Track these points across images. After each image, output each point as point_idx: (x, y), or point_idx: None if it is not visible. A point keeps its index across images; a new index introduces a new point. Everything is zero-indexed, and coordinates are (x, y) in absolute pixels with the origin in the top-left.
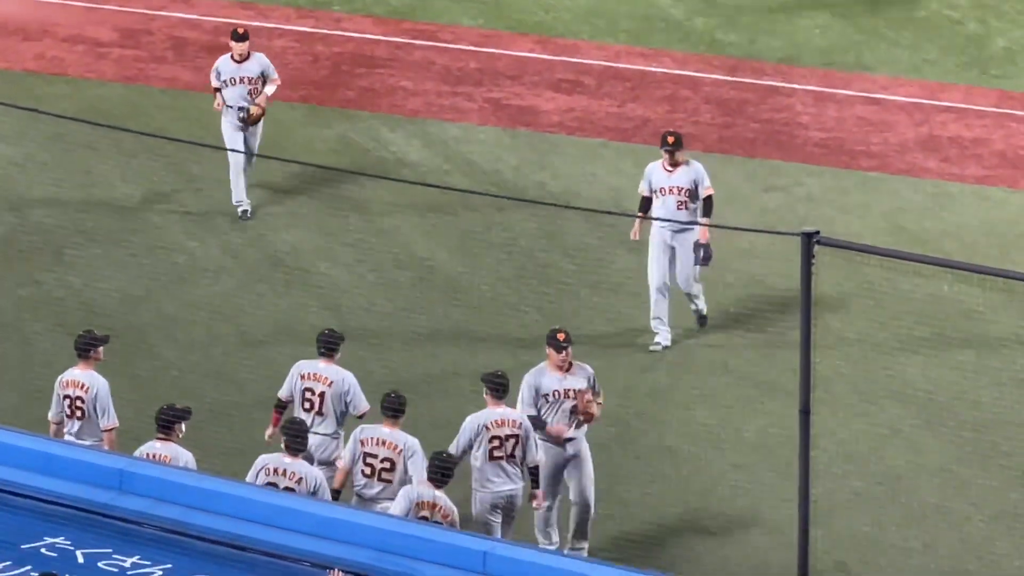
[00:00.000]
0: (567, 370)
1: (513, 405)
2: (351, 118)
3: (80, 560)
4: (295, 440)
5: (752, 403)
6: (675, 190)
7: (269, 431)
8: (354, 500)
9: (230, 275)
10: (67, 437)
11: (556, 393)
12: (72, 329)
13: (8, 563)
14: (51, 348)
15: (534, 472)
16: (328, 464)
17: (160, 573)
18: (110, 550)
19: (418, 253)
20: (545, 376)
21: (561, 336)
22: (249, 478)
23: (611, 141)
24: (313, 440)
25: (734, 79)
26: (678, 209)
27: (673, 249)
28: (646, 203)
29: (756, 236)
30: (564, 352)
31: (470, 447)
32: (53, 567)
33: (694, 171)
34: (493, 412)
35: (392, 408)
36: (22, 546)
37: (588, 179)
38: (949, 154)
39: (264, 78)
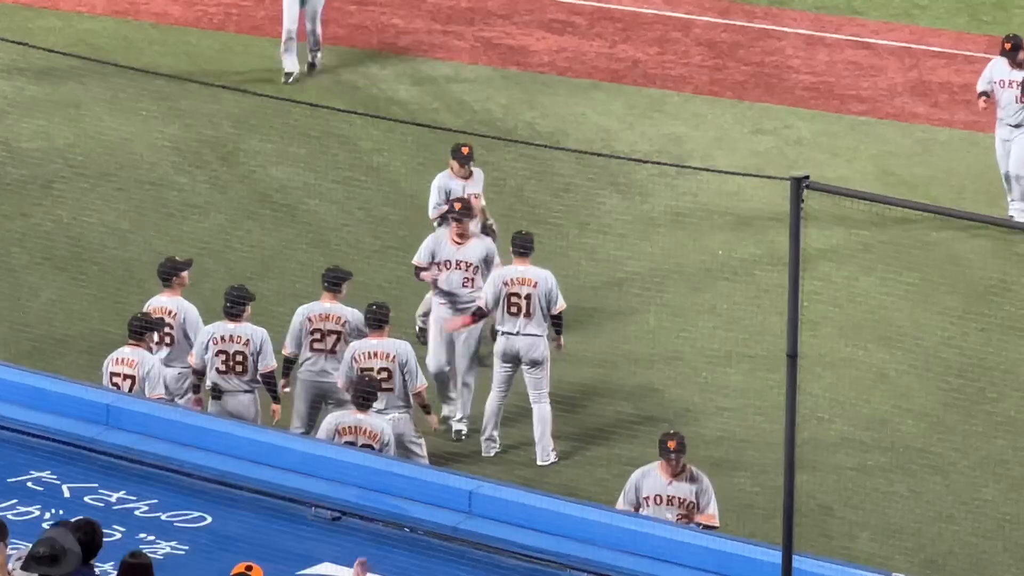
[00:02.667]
0: (676, 475)
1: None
2: (341, 55)
3: (66, 494)
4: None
5: (739, 346)
6: (462, 264)
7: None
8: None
9: (219, 211)
10: (155, 359)
11: (659, 498)
12: (59, 262)
13: None
14: (38, 281)
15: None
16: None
17: (146, 508)
18: (96, 485)
19: (407, 191)
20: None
21: (672, 444)
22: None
23: (601, 82)
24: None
25: (725, 21)
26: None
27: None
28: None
29: (745, 179)
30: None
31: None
32: (39, 501)
33: (485, 244)
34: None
35: (377, 319)
36: (8, 479)
37: (578, 119)
38: (939, 99)
39: None
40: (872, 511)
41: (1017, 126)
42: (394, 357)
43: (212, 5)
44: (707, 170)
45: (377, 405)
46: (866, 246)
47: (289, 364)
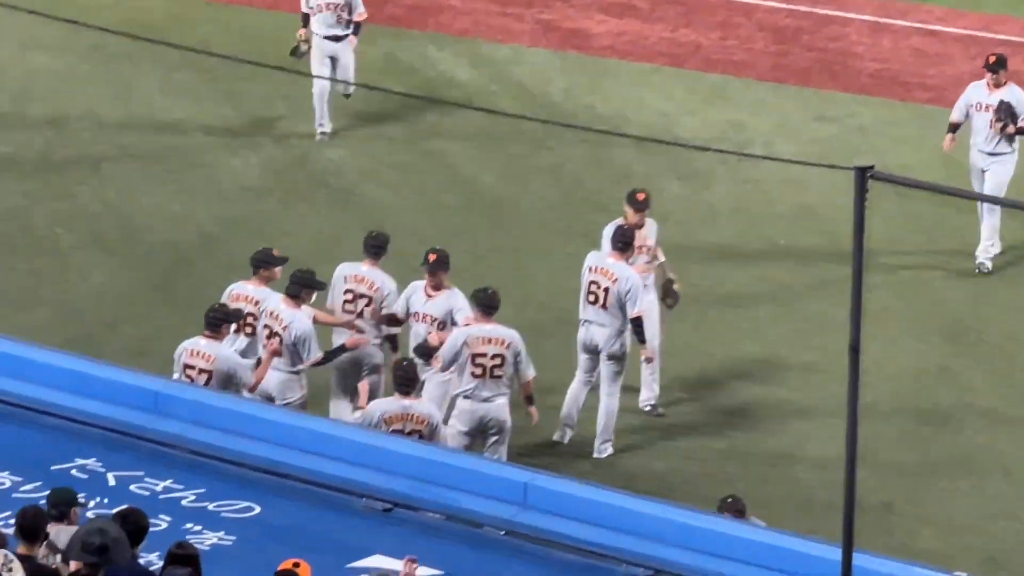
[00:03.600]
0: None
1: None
2: (398, 36)
3: (111, 483)
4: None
5: (801, 338)
6: (427, 318)
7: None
8: (459, 405)
9: (272, 194)
10: (228, 348)
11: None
12: (108, 245)
13: (39, 483)
14: (85, 263)
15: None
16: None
17: (193, 497)
18: (142, 473)
19: (464, 176)
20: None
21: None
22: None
23: (663, 66)
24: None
25: (789, 6)
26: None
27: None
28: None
29: (807, 167)
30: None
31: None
32: (83, 489)
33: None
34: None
35: (489, 304)
36: (52, 467)
37: (638, 104)
38: None
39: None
40: (934, 508)
41: (992, 154)
42: (509, 344)
43: None
44: (769, 158)
45: (482, 393)
46: (931, 237)
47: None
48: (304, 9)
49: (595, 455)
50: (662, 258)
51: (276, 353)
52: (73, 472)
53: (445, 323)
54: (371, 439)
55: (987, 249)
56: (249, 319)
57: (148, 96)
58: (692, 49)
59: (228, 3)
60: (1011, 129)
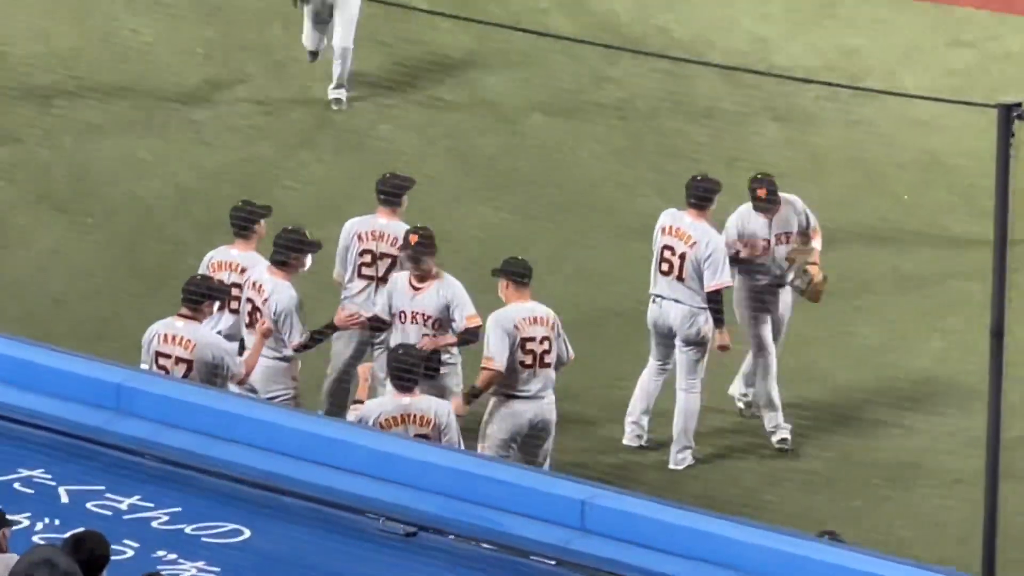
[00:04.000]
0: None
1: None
2: None
3: (64, 499)
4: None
5: (927, 320)
6: (418, 316)
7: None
8: (504, 408)
9: (264, 137)
10: (211, 331)
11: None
12: (58, 201)
13: None
14: (31, 225)
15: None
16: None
17: (166, 518)
18: (103, 487)
19: (507, 115)
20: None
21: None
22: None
23: None
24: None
25: None
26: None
27: None
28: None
29: (937, 105)
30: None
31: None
32: (28, 507)
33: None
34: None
35: (524, 274)
36: None
37: (726, 25)
38: None
39: None
40: None
41: None
42: (553, 323)
43: None
44: (890, 93)
45: (532, 387)
46: None
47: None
48: None
49: (671, 465)
50: (817, 246)
51: (267, 334)
52: (16, 486)
53: (442, 321)
54: (388, 444)
55: None
56: (235, 292)
57: (109, 13)
58: None
59: None
60: None
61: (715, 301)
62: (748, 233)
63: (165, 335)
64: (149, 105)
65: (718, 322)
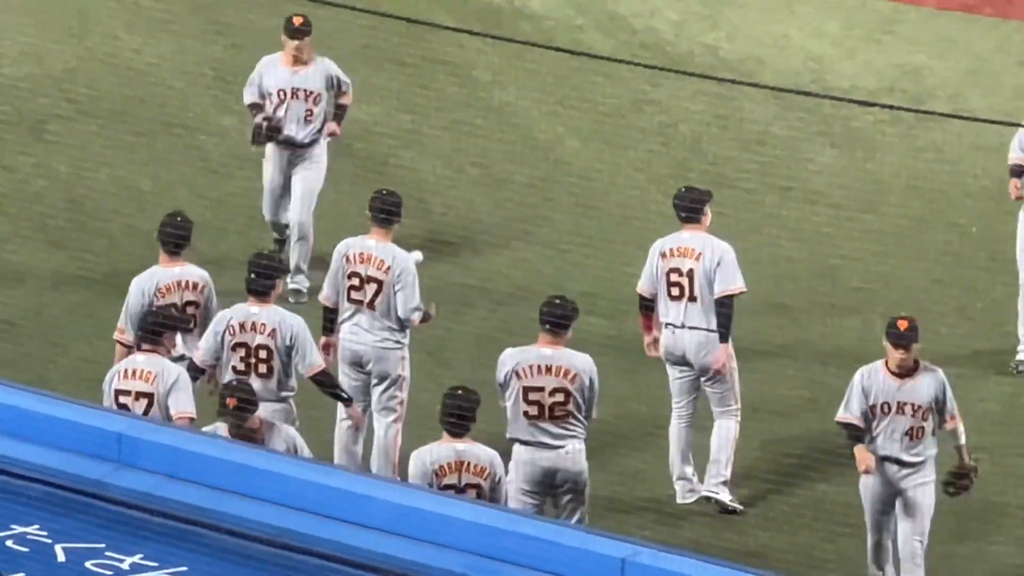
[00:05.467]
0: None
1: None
2: None
3: (60, 558)
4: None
5: (999, 359)
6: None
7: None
8: (516, 453)
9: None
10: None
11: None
12: (54, 234)
13: None
14: (24, 259)
15: (725, 303)
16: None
17: None
18: (102, 545)
19: (540, 141)
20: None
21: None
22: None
23: None
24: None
25: None
26: None
27: None
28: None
29: (1009, 129)
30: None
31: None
32: (22, 567)
33: None
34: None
35: (557, 320)
36: None
37: (777, 44)
38: None
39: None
40: None
41: None
42: (575, 376)
43: None
44: (957, 117)
45: (542, 437)
46: None
47: (331, 318)
48: (251, 99)
49: (705, 492)
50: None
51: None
52: (8, 544)
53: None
54: (414, 499)
55: None
56: (192, 310)
57: (109, 31)
58: None
59: None
60: None
61: (725, 306)
62: None
63: (125, 371)
64: (152, 130)
65: (723, 336)
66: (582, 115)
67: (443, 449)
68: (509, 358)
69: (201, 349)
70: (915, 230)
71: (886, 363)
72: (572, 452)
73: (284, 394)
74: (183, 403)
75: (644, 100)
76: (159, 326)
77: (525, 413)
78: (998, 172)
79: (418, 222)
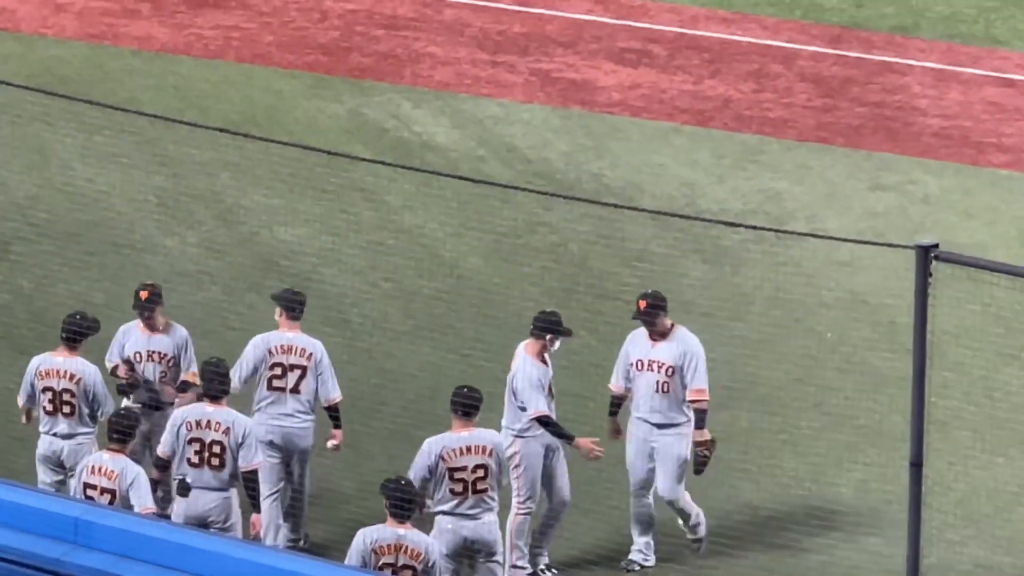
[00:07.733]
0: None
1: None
2: (366, 90)
3: None
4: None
5: (851, 452)
6: (655, 366)
7: None
8: (439, 523)
9: (214, 281)
10: (46, 438)
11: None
12: (17, 342)
13: None
14: None
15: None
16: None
17: None
18: None
19: (445, 258)
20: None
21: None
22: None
23: (684, 125)
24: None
25: (837, 52)
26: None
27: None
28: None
29: (860, 247)
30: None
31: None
32: None
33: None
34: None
35: (466, 405)
36: None
37: (655, 171)
38: None
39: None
40: None
41: None
42: (492, 451)
43: (207, 28)
44: (814, 236)
45: (462, 508)
46: (1009, 329)
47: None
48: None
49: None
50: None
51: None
52: None
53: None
54: None
55: None
56: (67, 397)
57: (66, 163)
58: (720, 104)
59: (161, 51)
60: None
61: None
62: None
63: (92, 467)
64: (102, 250)
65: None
66: (483, 235)
67: (386, 531)
68: (433, 445)
69: (162, 443)
70: (776, 336)
71: None
72: (488, 523)
73: (232, 484)
74: (144, 498)
75: (537, 222)
76: (127, 428)
77: (451, 491)
78: (850, 284)
79: (338, 331)
